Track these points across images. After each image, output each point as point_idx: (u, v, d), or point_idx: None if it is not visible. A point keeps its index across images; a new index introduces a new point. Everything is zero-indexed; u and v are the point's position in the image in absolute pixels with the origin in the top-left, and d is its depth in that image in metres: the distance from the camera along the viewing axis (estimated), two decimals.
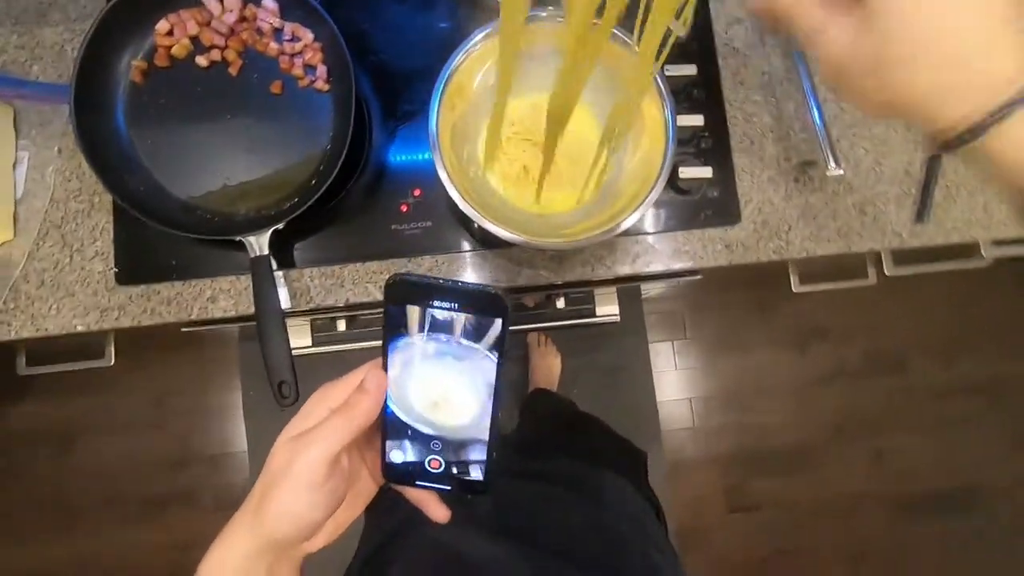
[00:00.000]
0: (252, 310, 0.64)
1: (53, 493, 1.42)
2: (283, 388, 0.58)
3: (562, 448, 0.88)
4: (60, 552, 1.40)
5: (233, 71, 0.65)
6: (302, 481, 0.30)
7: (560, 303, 0.82)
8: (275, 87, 0.65)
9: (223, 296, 0.65)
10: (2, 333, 0.63)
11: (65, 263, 0.64)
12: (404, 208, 0.67)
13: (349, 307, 0.68)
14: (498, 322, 0.32)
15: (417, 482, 0.35)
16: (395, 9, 0.70)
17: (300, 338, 0.84)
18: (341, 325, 0.80)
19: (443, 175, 0.57)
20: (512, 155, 0.65)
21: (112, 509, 1.41)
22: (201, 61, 0.65)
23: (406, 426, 0.34)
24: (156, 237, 0.64)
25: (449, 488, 0.36)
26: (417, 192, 0.67)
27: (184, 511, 1.43)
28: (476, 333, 0.32)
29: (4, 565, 1.40)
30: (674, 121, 0.58)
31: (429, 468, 0.35)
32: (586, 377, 1.48)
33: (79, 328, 0.64)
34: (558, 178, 0.65)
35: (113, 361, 0.88)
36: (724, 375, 1.54)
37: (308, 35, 0.65)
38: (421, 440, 0.34)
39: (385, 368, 0.33)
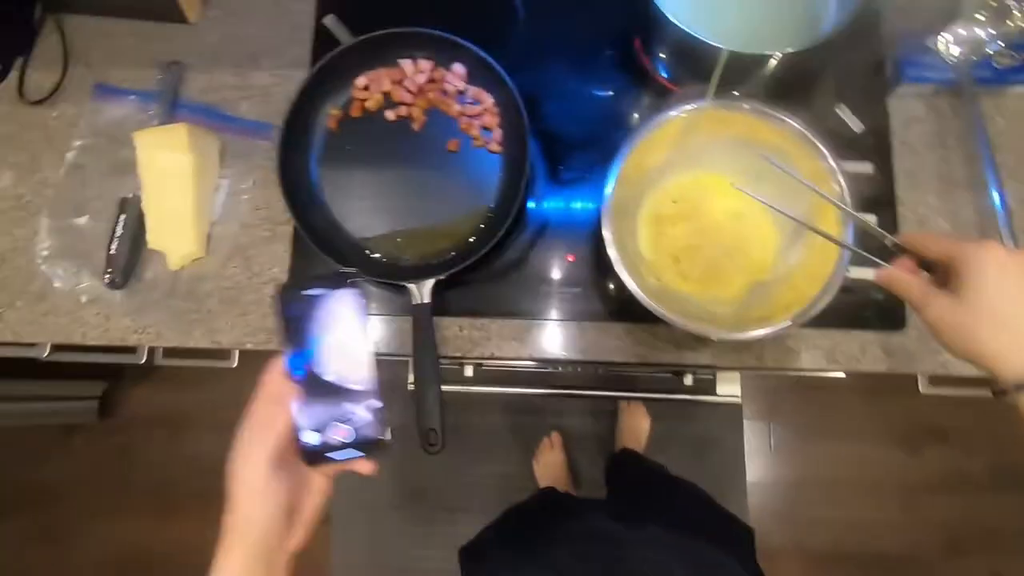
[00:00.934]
0: (402, 349, 0.68)
1: (160, 477, 1.52)
2: (431, 436, 0.60)
3: (658, 515, 0.86)
4: (157, 534, 1.49)
5: (416, 126, 0.70)
6: (250, 487, 0.38)
7: (688, 379, 0.80)
8: (452, 145, 0.69)
9: (377, 332, 0.69)
10: (183, 340, 0.69)
11: (244, 284, 0.70)
12: (556, 272, 0.69)
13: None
14: (363, 302, 0.43)
15: (333, 456, 0.41)
16: (570, 81, 0.73)
17: None
18: (468, 371, 0.82)
19: (612, 253, 0.58)
20: (672, 234, 0.66)
21: (207, 502, 1.49)
22: (389, 115, 0.70)
23: (313, 407, 0.41)
24: (327, 271, 0.69)
25: (363, 454, 0.42)
26: (570, 257, 0.69)
27: None
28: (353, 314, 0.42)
29: (107, 534, 1.51)
30: (853, 225, 0.57)
31: (339, 439, 0.41)
32: (673, 444, 1.44)
33: (248, 346, 0.69)
34: (720, 262, 0.65)
35: (236, 364, 0.94)
36: (823, 464, 1.45)
37: (489, 99, 0.69)
38: (326, 415, 0.41)
39: (291, 367, 0.41)
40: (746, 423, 1.46)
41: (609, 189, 0.60)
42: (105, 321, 0.70)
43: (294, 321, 0.42)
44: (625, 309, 0.68)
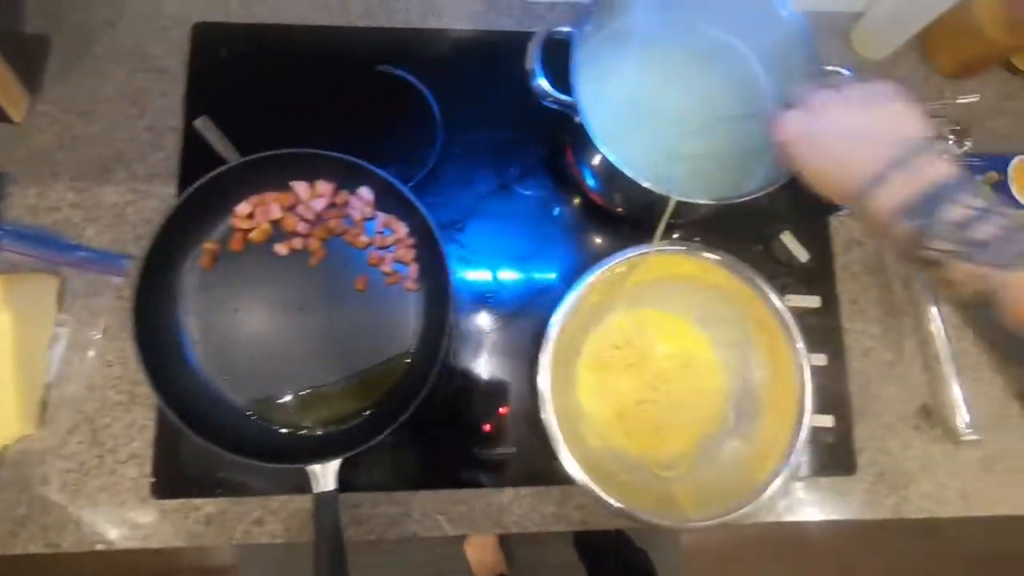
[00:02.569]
0: (304, 537, 0.56)
1: None
2: None
3: None
4: None
5: (314, 261, 0.58)
6: None
7: None
8: (359, 283, 0.58)
9: (272, 518, 0.56)
10: (7, 546, 0.54)
11: (93, 465, 0.55)
12: (487, 428, 0.59)
13: None
14: None
15: None
16: (492, 202, 0.65)
17: None
18: None
19: (548, 416, 0.50)
20: (616, 385, 0.59)
21: None
22: (280, 249, 0.58)
23: None
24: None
25: None
26: (503, 410, 0.60)
27: None
28: None
29: None
30: (807, 367, 0.52)
31: None
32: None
33: (99, 547, 0.54)
34: (667, 417, 0.58)
35: None
36: None
37: (402, 229, 0.59)
38: None
39: None
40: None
41: (549, 338, 0.51)
42: None
43: None
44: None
